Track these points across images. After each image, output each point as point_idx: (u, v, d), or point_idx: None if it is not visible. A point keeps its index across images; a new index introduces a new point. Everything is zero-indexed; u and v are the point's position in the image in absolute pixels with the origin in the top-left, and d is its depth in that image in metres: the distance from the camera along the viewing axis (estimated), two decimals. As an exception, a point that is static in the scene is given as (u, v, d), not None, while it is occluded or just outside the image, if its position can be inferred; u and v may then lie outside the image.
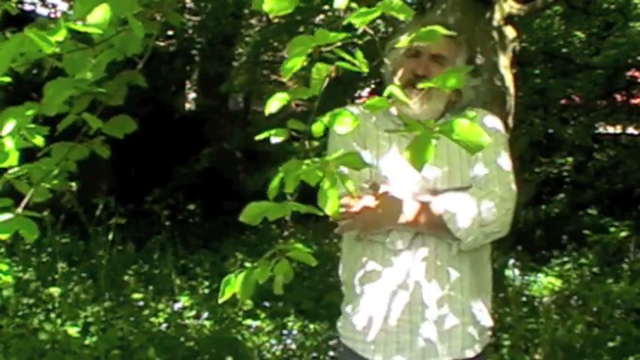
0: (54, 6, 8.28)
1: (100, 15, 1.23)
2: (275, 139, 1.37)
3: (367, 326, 2.08)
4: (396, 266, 2.03)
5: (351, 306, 2.13)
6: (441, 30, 1.29)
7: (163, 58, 7.84)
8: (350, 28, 1.33)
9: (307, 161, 1.27)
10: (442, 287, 2.03)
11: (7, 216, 1.43)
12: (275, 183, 1.29)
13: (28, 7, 8.04)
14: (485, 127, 2.06)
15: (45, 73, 1.52)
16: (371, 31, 1.32)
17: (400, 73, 2.06)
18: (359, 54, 1.31)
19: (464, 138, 1.22)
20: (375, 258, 2.06)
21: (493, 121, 2.15)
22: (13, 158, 1.46)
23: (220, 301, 1.43)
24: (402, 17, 1.30)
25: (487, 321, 2.14)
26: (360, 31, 1.31)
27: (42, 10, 8.17)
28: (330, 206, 1.25)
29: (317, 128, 1.30)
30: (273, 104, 1.34)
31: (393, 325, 2.04)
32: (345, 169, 1.37)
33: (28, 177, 1.62)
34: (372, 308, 2.07)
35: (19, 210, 1.44)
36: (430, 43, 1.95)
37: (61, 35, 1.26)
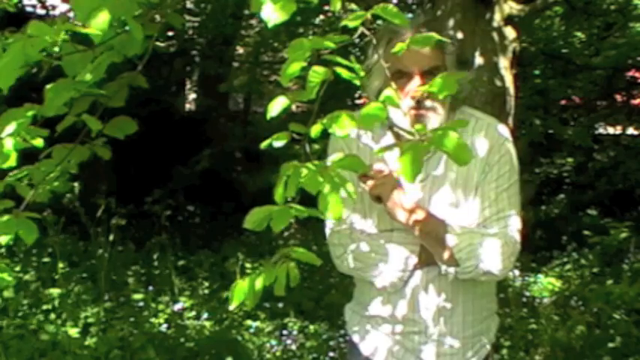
0: (54, 7, 8.27)
1: (101, 20, 1.23)
2: (278, 143, 1.36)
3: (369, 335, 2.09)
4: (395, 298, 2.01)
5: (358, 307, 2.13)
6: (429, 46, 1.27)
7: (163, 58, 7.83)
8: (349, 29, 1.33)
9: (308, 164, 1.27)
10: (444, 315, 2.00)
11: (7, 217, 1.43)
12: (280, 189, 1.28)
13: (28, 9, 8.03)
14: (496, 140, 1.95)
15: (43, 73, 1.52)
16: (369, 33, 1.32)
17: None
18: (355, 64, 1.31)
19: (453, 151, 1.23)
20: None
21: (504, 132, 1.99)
22: (13, 159, 1.46)
23: (231, 307, 1.42)
24: (397, 22, 1.31)
25: (487, 342, 2.15)
26: (358, 32, 1.32)
27: (42, 12, 8.15)
28: (332, 211, 1.25)
29: (316, 130, 1.30)
30: (275, 108, 1.34)
31: (392, 345, 2.05)
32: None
33: (29, 179, 1.62)
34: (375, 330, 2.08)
35: (20, 211, 1.44)
36: (416, 62, 1.84)
37: (58, 35, 1.26)
